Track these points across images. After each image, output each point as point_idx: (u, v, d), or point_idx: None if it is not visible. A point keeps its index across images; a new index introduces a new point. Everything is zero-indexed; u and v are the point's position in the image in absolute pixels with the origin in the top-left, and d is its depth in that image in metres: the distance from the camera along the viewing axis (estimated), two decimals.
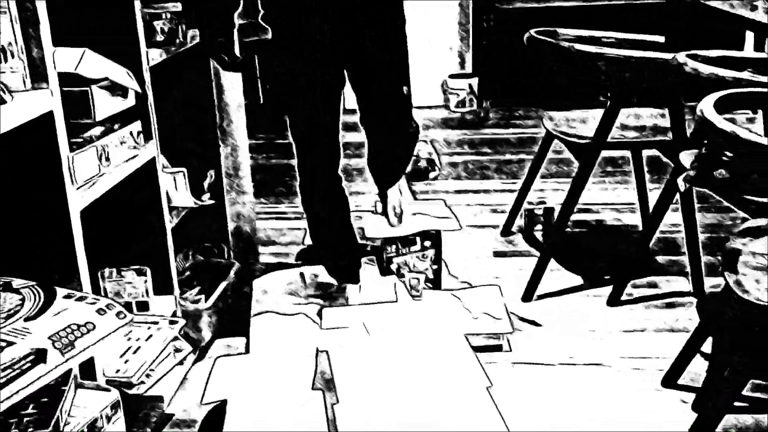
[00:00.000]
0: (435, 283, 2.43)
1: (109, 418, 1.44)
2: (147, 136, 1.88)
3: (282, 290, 2.36)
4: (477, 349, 1.94)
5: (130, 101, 1.75)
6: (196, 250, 2.35)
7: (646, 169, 2.78)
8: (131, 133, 1.79)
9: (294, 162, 2.29)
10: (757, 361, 1.54)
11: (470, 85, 4.80)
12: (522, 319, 2.28)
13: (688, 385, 1.95)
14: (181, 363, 1.96)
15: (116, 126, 1.75)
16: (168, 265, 2.04)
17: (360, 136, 2.38)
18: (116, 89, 1.67)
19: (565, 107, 2.77)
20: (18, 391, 1.23)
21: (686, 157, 2.12)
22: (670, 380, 1.96)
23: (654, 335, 2.20)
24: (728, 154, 1.93)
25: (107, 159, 1.69)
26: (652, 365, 2.03)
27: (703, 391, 1.90)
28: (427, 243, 2.41)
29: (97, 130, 1.74)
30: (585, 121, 2.57)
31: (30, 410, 1.32)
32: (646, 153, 2.76)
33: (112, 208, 1.81)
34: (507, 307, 2.24)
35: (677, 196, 2.30)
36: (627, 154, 2.87)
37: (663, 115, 2.58)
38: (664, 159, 2.91)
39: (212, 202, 2.26)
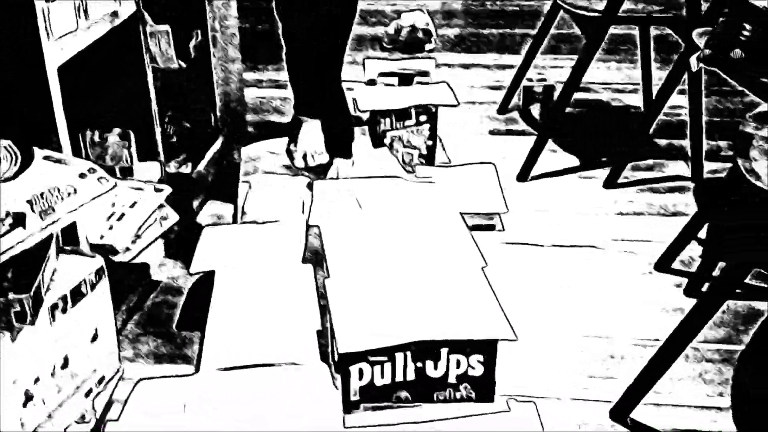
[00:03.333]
0: (429, 159, 2.36)
1: (93, 285, 1.40)
2: None
3: (270, 160, 2.29)
4: (470, 228, 1.89)
5: None
6: (181, 116, 2.25)
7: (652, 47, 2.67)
8: None
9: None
10: (758, 251, 1.51)
11: None
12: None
13: (681, 269, 1.93)
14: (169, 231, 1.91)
15: None
16: (152, 129, 1.94)
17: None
18: None
19: None
20: None
21: (699, 36, 2.02)
22: (664, 264, 1.94)
23: (649, 219, 2.17)
24: (747, 32, 1.83)
25: (86, 12, 1.57)
26: (646, 249, 2.01)
27: (696, 276, 1.89)
28: (423, 117, 2.32)
29: None
30: None
31: (10, 275, 1.26)
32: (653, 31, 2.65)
33: (91, 68, 1.70)
34: (501, 186, 2.18)
35: (684, 77, 2.21)
36: (634, 31, 2.74)
37: None
38: (674, 37, 2.79)
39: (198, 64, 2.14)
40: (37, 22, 1.35)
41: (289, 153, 2.23)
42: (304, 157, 2.20)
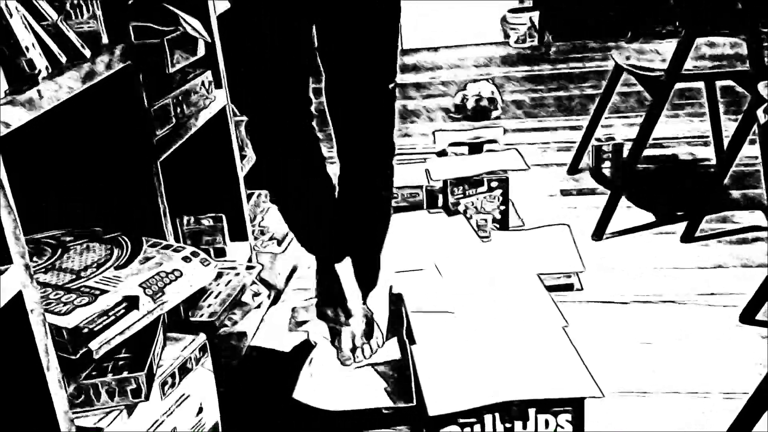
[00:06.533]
0: (502, 223, 2.42)
1: (197, 360, 1.50)
2: (217, 85, 1.91)
3: None
4: (548, 289, 1.94)
5: (201, 52, 1.77)
6: (266, 197, 2.39)
7: (720, 100, 2.70)
8: (203, 83, 1.81)
9: None
10: None
11: (531, 20, 4.68)
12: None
13: (767, 320, 1.92)
14: (258, 307, 2.02)
15: (189, 77, 1.77)
16: (241, 211, 2.08)
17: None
18: (187, 40, 1.69)
19: (634, 38, 2.69)
20: (114, 337, 1.30)
21: (765, 88, 2.04)
22: (749, 316, 1.93)
23: (731, 271, 2.16)
24: None
25: (182, 110, 1.72)
26: (730, 301, 2.00)
27: None
28: (494, 183, 2.40)
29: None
30: (657, 53, 2.49)
31: (123, 354, 1.38)
32: (719, 83, 2.68)
33: (187, 159, 1.85)
34: (577, 245, 2.22)
35: (754, 128, 2.22)
36: (700, 85, 2.78)
37: (737, 44, 2.49)
38: (739, 89, 2.81)
39: None
40: (143, 123, 1.50)
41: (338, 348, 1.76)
42: (353, 350, 1.73)
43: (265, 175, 1.75)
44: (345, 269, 1.76)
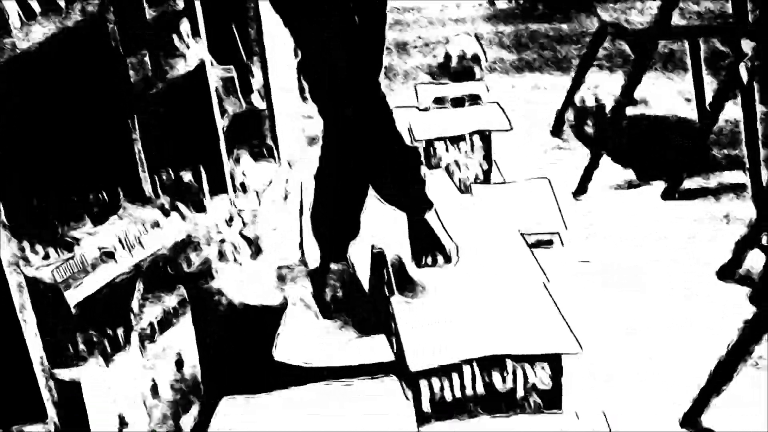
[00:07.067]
0: (484, 180, 2.41)
1: (177, 314, 1.50)
2: (194, 35, 1.86)
3: None
4: (530, 246, 1.94)
5: (180, 2, 1.72)
6: (247, 150, 2.36)
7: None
8: (180, 33, 1.77)
9: None
10: None
11: None
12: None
13: (744, 276, 1.93)
14: (238, 262, 2.01)
15: (167, 27, 1.73)
16: (221, 166, 2.06)
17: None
18: None
19: None
20: (92, 289, 1.28)
21: (747, 45, 2.03)
22: (727, 272, 1.95)
23: (710, 228, 2.18)
24: None
25: (158, 60, 1.69)
26: (708, 258, 2.02)
27: (760, 283, 1.89)
28: (477, 140, 2.38)
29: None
30: (641, 11, 2.47)
31: (103, 306, 1.37)
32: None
33: (165, 113, 1.82)
34: (559, 202, 2.22)
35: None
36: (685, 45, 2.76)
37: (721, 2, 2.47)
38: (722, 48, 2.80)
39: (263, 105, 2.25)
40: (120, 75, 1.47)
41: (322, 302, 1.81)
42: (334, 298, 1.80)
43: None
44: (433, 218, 1.84)
